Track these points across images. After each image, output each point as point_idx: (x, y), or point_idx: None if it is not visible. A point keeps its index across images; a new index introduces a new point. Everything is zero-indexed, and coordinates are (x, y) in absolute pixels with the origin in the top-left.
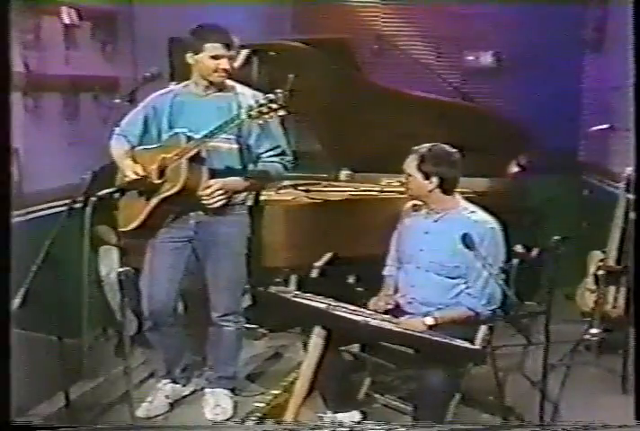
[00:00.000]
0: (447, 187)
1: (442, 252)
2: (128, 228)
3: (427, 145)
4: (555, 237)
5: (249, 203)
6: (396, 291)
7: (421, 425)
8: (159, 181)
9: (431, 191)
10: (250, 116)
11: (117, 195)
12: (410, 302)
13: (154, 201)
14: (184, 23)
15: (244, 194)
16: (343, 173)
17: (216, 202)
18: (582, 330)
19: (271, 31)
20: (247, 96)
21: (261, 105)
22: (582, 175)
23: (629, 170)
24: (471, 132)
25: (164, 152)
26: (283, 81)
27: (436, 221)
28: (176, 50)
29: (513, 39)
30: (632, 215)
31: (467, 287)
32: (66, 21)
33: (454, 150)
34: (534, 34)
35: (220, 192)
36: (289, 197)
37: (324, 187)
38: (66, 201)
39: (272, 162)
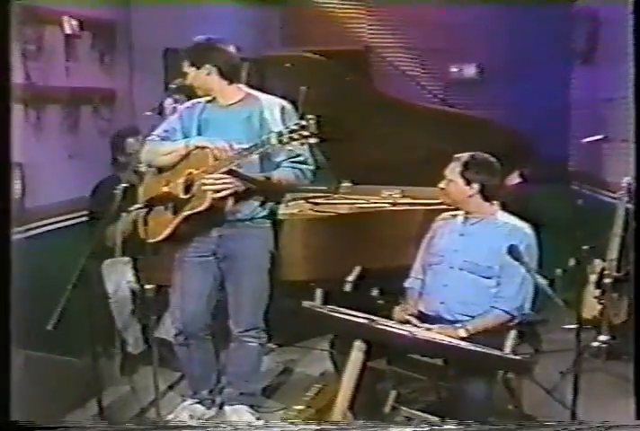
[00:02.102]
0: (487, 194)
1: (477, 252)
2: (153, 240)
3: (470, 152)
4: (584, 247)
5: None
6: (419, 300)
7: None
8: (186, 197)
9: (471, 197)
10: (280, 141)
11: (145, 210)
12: (442, 302)
13: (179, 217)
14: (180, 35)
15: (267, 208)
16: (344, 185)
17: (217, 188)
18: (586, 337)
19: (260, 42)
20: (274, 105)
21: (292, 131)
22: (572, 185)
23: (627, 179)
24: (475, 143)
25: (190, 167)
26: (296, 92)
27: (473, 224)
28: (172, 61)
29: (500, 50)
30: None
31: (500, 291)
32: (68, 31)
33: (494, 159)
34: (521, 45)
35: (227, 180)
36: (296, 210)
37: (335, 199)
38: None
39: (291, 167)
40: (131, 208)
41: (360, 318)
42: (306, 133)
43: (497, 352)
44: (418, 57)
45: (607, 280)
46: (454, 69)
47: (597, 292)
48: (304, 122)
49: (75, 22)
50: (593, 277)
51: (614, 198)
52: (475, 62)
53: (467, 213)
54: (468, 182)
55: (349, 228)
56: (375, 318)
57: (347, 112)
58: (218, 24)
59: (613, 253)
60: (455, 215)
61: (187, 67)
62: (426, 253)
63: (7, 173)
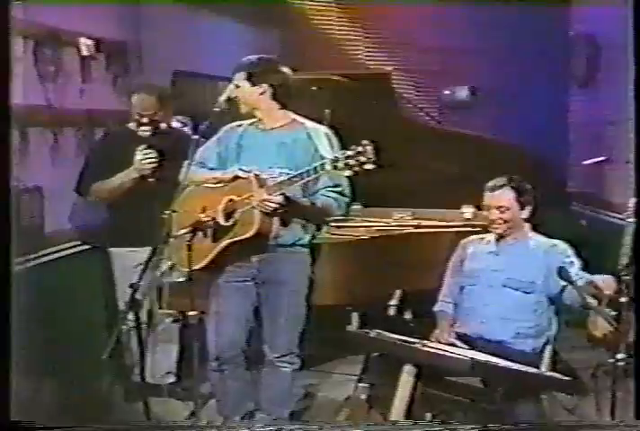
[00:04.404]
0: (532, 216)
1: (518, 269)
2: (193, 268)
3: (510, 177)
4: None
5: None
6: (454, 322)
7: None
8: (227, 224)
9: (523, 220)
10: (336, 167)
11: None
12: (483, 321)
13: (223, 244)
14: (186, 58)
15: (309, 234)
16: (354, 208)
17: (269, 209)
18: (599, 356)
19: None
20: (319, 132)
21: (348, 157)
22: (573, 206)
23: (634, 200)
24: (490, 165)
25: (231, 193)
26: (321, 115)
27: (510, 244)
28: (180, 83)
29: (495, 73)
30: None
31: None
32: (85, 52)
33: None
34: (518, 69)
35: (276, 206)
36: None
37: (355, 222)
38: None
39: (329, 196)
40: (177, 234)
41: (409, 342)
42: (363, 159)
43: (555, 374)
44: (415, 80)
45: (624, 299)
46: (450, 92)
47: (607, 310)
48: (360, 148)
49: (90, 43)
50: None
51: (621, 219)
52: (471, 84)
53: (507, 235)
54: (522, 207)
55: (375, 252)
56: (425, 341)
57: (370, 136)
58: (222, 47)
59: (622, 273)
60: (482, 238)
61: (240, 80)
62: (457, 276)
63: (7, 198)
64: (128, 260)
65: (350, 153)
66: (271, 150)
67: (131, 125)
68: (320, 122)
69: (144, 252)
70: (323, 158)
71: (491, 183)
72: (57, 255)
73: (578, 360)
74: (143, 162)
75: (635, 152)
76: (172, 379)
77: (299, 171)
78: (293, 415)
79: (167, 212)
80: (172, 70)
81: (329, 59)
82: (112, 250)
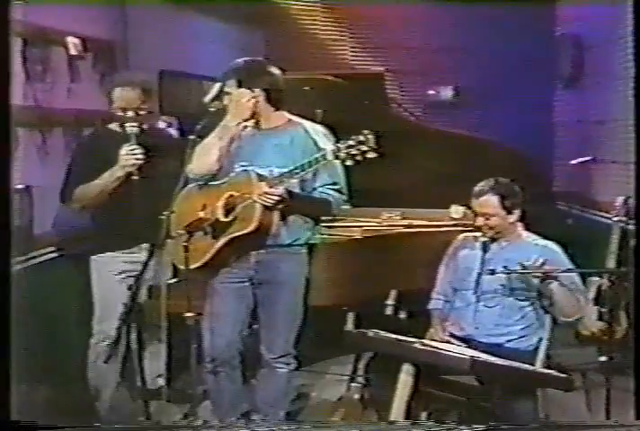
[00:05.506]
0: (523, 217)
1: (511, 276)
2: (192, 267)
3: (496, 180)
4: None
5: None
6: (449, 322)
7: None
8: (226, 220)
9: (512, 224)
10: (337, 157)
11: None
12: (477, 327)
13: (222, 240)
14: (174, 57)
15: (309, 233)
16: (343, 207)
17: (270, 203)
18: (586, 354)
19: None
20: (316, 130)
21: (349, 146)
22: (559, 205)
23: (621, 199)
24: (478, 165)
25: (231, 189)
26: (312, 116)
27: (503, 248)
28: (166, 83)
29: (480, 73)
30: (632, 242)
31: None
32: (72, 51)
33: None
34: (502, 69)
35: (278, 198)
36: None
37: (347, 222)
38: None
39: (327, 193)
40: (174, 234)
41: (407, 341)
42: (365, 148)
43: (550, 371)
44: (400, 80)
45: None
46: (434, 91)
47: (595, 309)
48: (361, 137)
49: (78, 42)
50: (591, 295)
51: (607, 218)
52: (456, 84)
53: (497, 237)
54: (509, 212)
55: (367, 252)
56: (424, 340)
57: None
58: (209, 47)
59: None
60: (476, 238)
61: (231, 87)
62: (452, 276)
63: (7, 199)
64: (106, 268)
65: (351, 142)
66: (268, 151)
67: (113, 125)
68: (314, 121)
69: (124, 259)
70: (322, 150)
71: (477, 188)
72: (46, 257)
73: (568, 358)
74: (127, 158)
75: (636, 152)
76: (162, 382)
77: (300, 163)
78: (289, 415)
79: (166, 213)
80: (158, 69)
81: (314, 59)
82: (94, 258)
